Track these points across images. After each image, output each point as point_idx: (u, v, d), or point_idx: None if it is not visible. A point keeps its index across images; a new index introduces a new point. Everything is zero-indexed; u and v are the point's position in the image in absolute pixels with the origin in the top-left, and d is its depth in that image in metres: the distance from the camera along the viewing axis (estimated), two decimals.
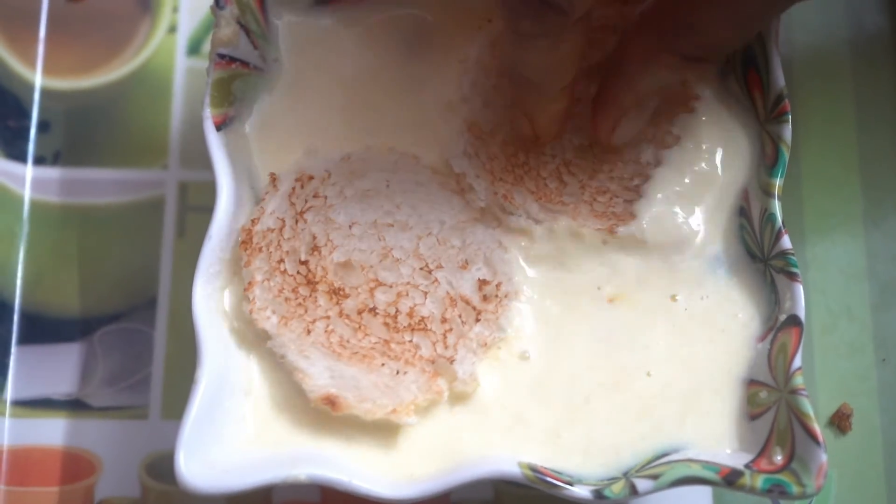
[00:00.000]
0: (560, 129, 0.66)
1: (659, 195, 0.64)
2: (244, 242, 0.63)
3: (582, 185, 0.65)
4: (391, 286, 0.63)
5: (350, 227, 0.65)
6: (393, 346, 0.61)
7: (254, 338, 0.62)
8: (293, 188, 0.65)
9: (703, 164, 0.65)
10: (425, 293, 0.63)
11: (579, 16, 0.57)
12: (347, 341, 0.61)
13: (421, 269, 0.64)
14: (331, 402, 0.59)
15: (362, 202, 0.65)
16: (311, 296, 0.62)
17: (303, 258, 0.63)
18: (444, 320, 0.62)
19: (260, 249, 0.63)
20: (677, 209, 0.64)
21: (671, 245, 0.64)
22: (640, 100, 0.64)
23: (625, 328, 0.63)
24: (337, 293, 0.63)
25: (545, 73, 0.62)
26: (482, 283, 0.63)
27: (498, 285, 0.63)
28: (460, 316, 0.63)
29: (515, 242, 0.65)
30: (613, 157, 0.66)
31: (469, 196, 0.66)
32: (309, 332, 0.61)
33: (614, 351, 0.63)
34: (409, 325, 0.62)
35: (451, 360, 0.61)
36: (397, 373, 0.61)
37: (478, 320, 0.62)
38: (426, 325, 0.62)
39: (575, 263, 0.65)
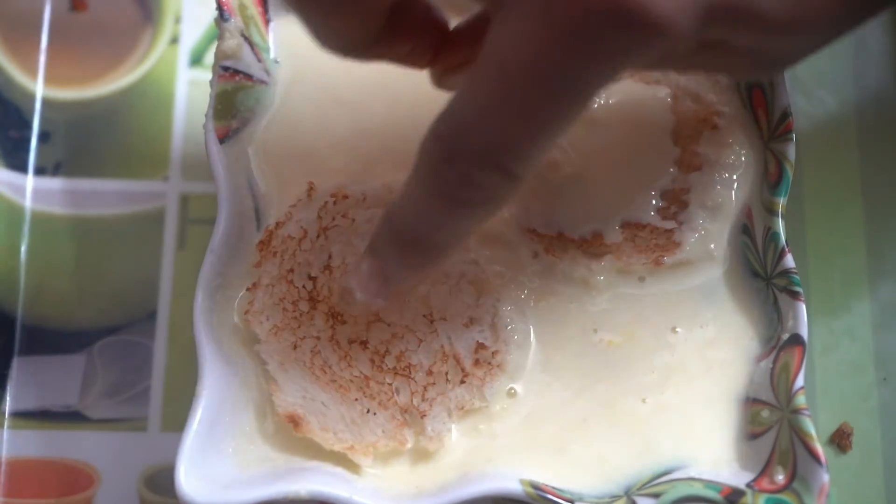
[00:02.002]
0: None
1: (696, 219, 0.64)
2: (262, 242, 0.63)
3: (621, 224, 0.65)
4: (389, 325, 0.62)
5: None
6: (372, 384, 0.61)
7: (250, 343, 0.62)
8: (325, 203, 0.64)
9: (726, 178, 0.65)
10: (420, 340, 0.62)
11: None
12: (329, 367, 0.61)
13: (424, 315, 0.62)
14: (294, 421, 0.59)
15: None
16: (308, 312, 0.62)
17: (313, 274, 0.63)
18: (429, 373, 0.61)
19: (274, 254, 0.63)
20: (711, 227, 0.64)
21: (705, 264, 0.64)
22: None
23: (619, 362, 0.63)
24: (335, 317, 0.62)
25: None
26: (480, 346, 0.62)
27: (494, 353, 0.62)
28: (447, 373, 0.62)
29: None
30: (647, 188, 0.66)
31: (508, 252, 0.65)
32: (296, 347, 0.61)
33: (608, 378, 0.63)
34: (395, 368, 0.61)
35: (423, 415, 0.60)
36: (367, 411, 0.60)
37: (462, 382, 0.61)
38: (410, 372, 0.61)
39: (574, 294, 0.65)
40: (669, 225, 0.64)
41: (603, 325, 0.64)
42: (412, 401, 0.61)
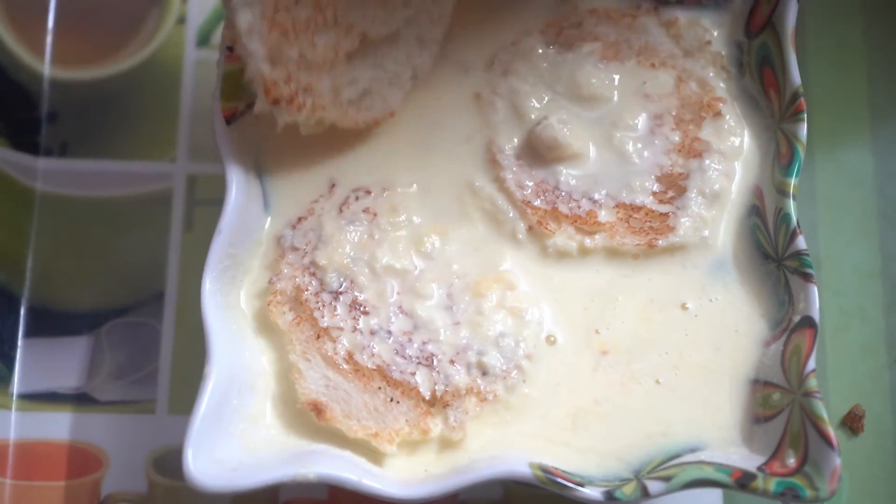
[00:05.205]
0: None
1: (693, 205, 0.64)
2: (284, 236, 0.64)
3: (616, 204, 0.65)
4: (411, 316, 0.63)
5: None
6: (395, 373, 0.61)
7: (264, 331, 0.63)
8: (346, 198, 0.65)
9: (726, 166, 0.65)
10: (441, 330, 0.62)
11: None
12: (352, 356, 0.61)
13: (447, 308, 0.63)
14: (317, 409, 0.59)
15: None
16: (331, 304, 0.62)
17: (336, 266, 0.63)
18: (451, 362, 0.61)
19: (296, 248, 0.63)
20: (707, 214, 0.64)
21: (700, 248, 0.64)
22: None
23: (633, 344, 0.63)
24: (357, 307, 0.62)
25: None
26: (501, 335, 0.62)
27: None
28: (468, 364, 0.61)
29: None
30: (646, 172, 0.66)
31: (501, 218, 0.65)
32: (318, 337, 0.61)
33: (622, 361, 0.63)
34: (417, 357, 0.61)
35: (446, 405, 0.60)
36: (391, 400, 0.60)
37: (484, 374, 0.61)
38: (433, 361, 0.61)
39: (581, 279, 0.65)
40: (665, 209, 0.64)
41: (614, 308, 0.63)
42: (435, 389, 0.60)
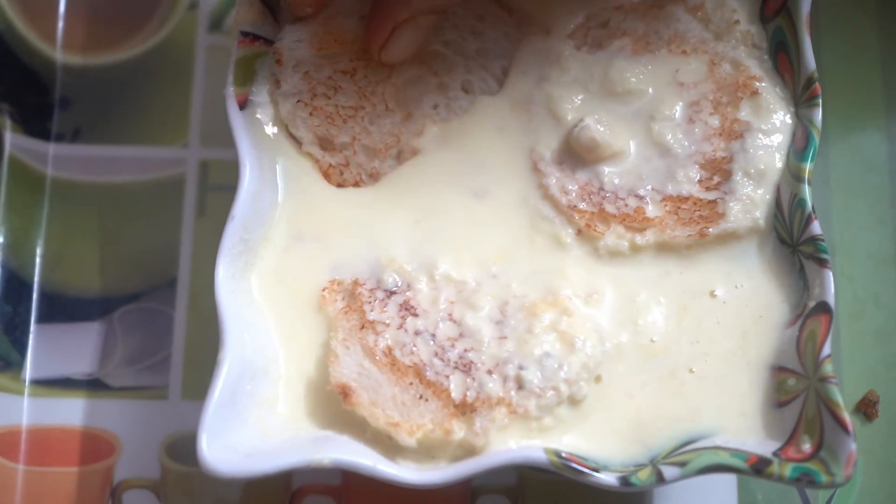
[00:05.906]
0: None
1: (740, 188, 0.64)
2: None
3: (663, 198, 0.65)
4: (459, 324, 0.62)
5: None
6: (430, 374, 0.60)
7: (273, 311, 0.63)
8: None
9: (766, 148, 0.64)
10: (485, 341, 0.62)
11: None
12: (391, 351, 0.61)
13: (497, 323, 0.62)
14: (345, 392, 0.59)
15: None
16: (382, 301, 0.62)
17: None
18: (489, 372, 0.61)
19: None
20: (755, 194, 0.64)
21: (752, 231, 0.64)
22: (414, 13, 0.63)
23: (668, 336, 0.62)
24: (408, 309, 0.62)
25: None
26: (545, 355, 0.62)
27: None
28: (506, 378, 0.61)
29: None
30: (688, 160, 0.65)
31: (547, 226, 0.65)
32: (363, 328, 0.61)
33: (670, 359, 0.62)
34: (456, 363, 0.61)
35: (474, 410, 0.60)
36: (420, 397, 0.60)
37: (520, 389, 0.60)
38: (470, 369, 0.61)
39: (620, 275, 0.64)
40: (713, 195, 0.64)
41: (664, 307, 0.63)
42: (466, 396, 0.60)
